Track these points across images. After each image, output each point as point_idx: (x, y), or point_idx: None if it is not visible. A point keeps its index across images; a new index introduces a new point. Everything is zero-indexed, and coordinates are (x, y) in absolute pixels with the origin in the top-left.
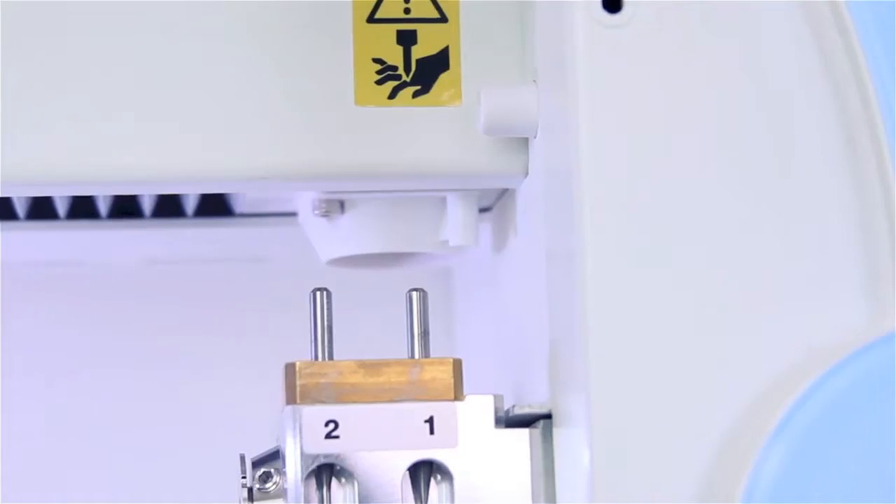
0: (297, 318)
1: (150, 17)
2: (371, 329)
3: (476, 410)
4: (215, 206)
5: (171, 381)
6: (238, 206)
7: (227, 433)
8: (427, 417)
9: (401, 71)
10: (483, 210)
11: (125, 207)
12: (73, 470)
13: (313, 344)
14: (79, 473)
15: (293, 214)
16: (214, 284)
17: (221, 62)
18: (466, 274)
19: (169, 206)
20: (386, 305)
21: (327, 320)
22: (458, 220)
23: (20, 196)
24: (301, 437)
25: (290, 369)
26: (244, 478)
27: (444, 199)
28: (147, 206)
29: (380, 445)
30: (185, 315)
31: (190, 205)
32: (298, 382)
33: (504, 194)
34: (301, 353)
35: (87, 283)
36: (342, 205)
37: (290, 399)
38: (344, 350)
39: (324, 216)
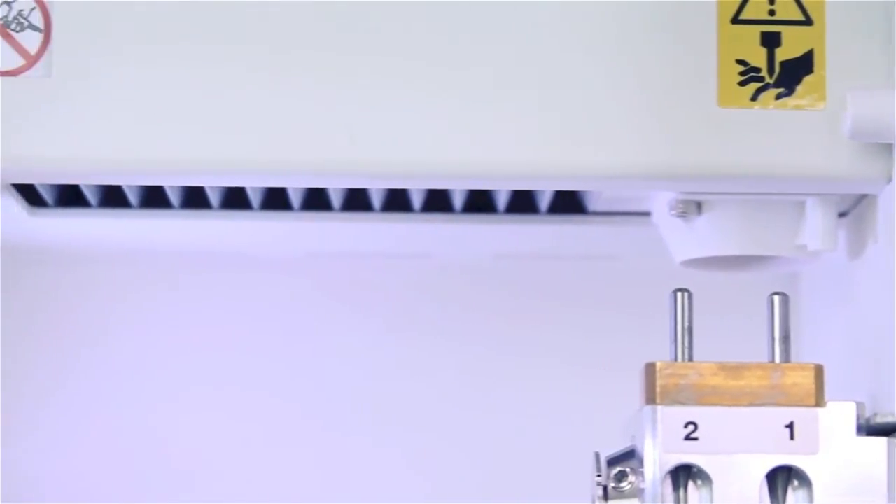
0: (645, 317)
1: (520, 20)
2: (715, 331)
3: (837, 417)
4: (568, 203)
5: (519, 376)
6: (591, 204)
7: (577, 430)
8: (787, 423)
9: (764, 73)
10: (839, 215)
11: (477, 202)
12: (417, 455)
13: (673, 344)
14: (422, 459)
15: (646, 214)
16: (565, 281)
17: (585, 62)
18: (815, 279)
19: (522, 203)
20: (731, 308)
21: (688, 321)
22: (817, 225)
23: (377, 189)
24: (660, 438)
25: (650, 369)
26: (599, 476)
27: (801, 203)
28: (501, 201)
29: (738, 449)
30: (534, 310)
31: (544, 201)
32: (658, 383)
33: (862, 199)
34: (649, 352)
35: (435, 276)
36: (699, 206)
37: (650, 399)
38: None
39: (680, 216)
